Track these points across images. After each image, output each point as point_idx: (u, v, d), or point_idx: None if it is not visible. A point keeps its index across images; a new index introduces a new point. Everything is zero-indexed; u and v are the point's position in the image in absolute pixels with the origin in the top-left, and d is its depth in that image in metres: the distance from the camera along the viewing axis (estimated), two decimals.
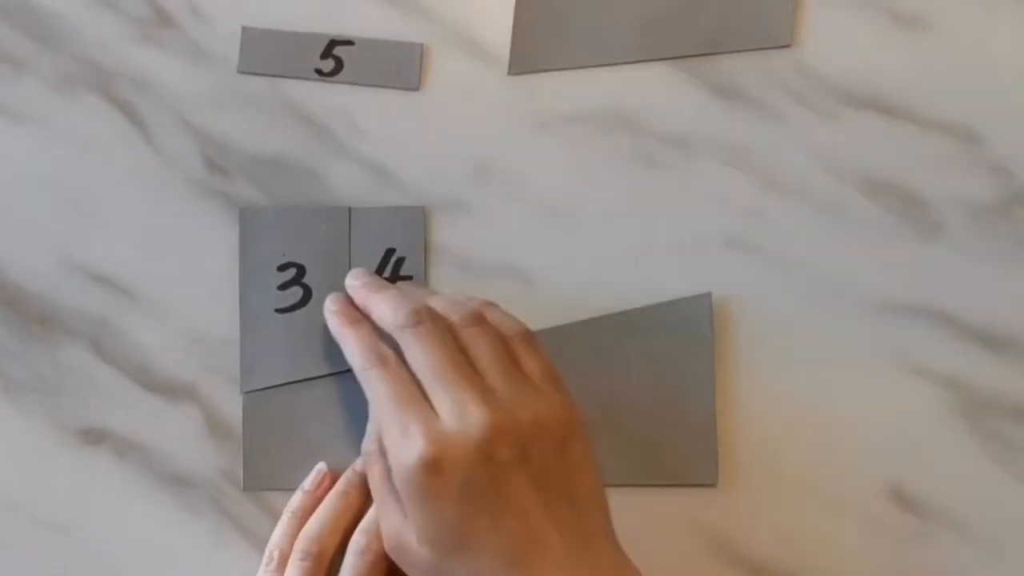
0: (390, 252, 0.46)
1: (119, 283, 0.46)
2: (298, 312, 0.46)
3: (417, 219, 0.47)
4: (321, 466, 0.45)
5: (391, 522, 0.39)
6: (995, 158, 0.47)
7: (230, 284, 0.46)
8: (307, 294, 0.46)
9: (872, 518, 0.45)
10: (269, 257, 0.46)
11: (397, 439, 0.38)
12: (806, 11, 0.47)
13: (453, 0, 0.47)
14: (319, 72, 0.47)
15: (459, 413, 0.37)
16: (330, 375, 0.45)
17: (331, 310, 0.44)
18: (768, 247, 0.46)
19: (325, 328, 0.44)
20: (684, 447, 0.45)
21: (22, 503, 0.45)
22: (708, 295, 0.46)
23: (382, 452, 0.39)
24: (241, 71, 0.47)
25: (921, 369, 0.46)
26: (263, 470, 0.45)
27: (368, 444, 0.41)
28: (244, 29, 0.47)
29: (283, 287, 0.46)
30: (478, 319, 0.41)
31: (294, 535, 0.43)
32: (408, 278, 0.46)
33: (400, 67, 0.47)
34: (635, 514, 0.45)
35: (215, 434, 0.45)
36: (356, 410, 0.45)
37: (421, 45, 0.47)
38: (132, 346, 0.46)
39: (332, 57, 0.47)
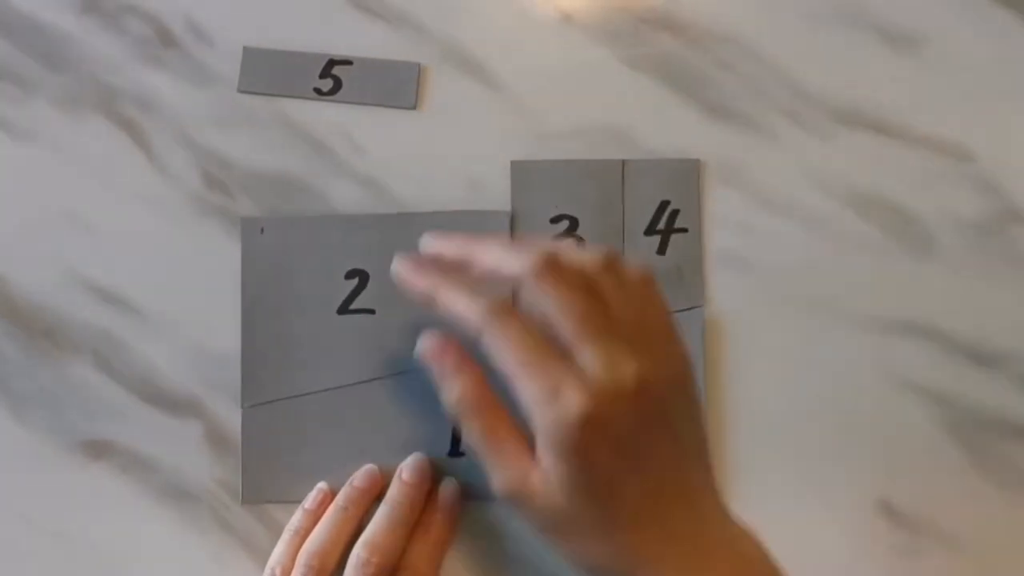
0: (664, 204, 0.47)
1: (122, 298, 0.47)
2: None
3: (692, 171, 0.47)
4: (322, 485, 0.45)
5: (511, 469, 0.38)
6: (985, 175, 0.47)
7: (231, 298, 0.46)
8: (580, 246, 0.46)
9: (862, 533, 0.45)
10: (542, 209, 0.46)
11: (546, 397, 0.36)
12: (799, 29, 0.48)
13: (450, 20, 0.48)
14: (318, 91, 0.47)
15: (613, 367, 0.36)
16: (329, 390, 0.46)
17: (407, 270, 0.41)
18: (759, 264, 0.47)
19: None
20: None
21: (26, 515, 0.46)
22: (700, 310, 0.46)
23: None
24: (241, 90, 0.48)
25: (911, 385, 0.46)
26: (261, 483, 0.46)
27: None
28: (245, 49, 0.48)
29: (557, 239, 0.46)
30: (610, 265, 0.39)
31: (294, 552, 0.43)
32: (684, 231, 0.47)
33: (398, 86, 0.48)
34: None
35: (216, 447, 0.46)
36: (354, 422, 0.46)
37: (419, 65, 0.48)
38: (135, 360, 0.46)
39: (331, 76, 0.48)
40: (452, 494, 0.45)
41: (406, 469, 0.45)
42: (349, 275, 0.47)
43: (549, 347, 0.37)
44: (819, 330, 0.46)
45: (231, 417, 0.46)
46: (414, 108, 0.48)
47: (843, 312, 0.46)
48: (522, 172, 0.47)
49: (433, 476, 0.45)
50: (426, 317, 0.46)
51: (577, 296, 0.37)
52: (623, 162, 0.47)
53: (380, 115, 0.48)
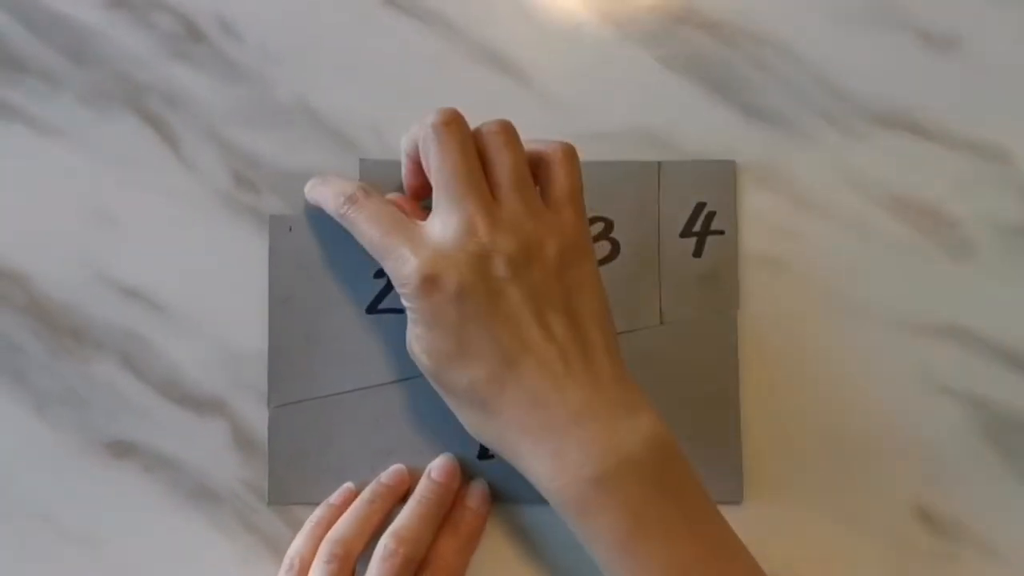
0: (700, 206, 0.46)
1: (149, 297, 0.46)
2: (607, 266, 0.46)
3: (728, 173, 0.47)
4: (349, 484, 0.45)
5: (409, 335, 0.41)
6: None
7: (258, 297, 0.46)
8: (615, 248, 0.46)
9: (897, 537, 0.45)
10: None
11: (393, 265, 0.39)
12: (836, 30, 0.47)
13: (482, 19, 0.48)
14: None
15: (456, 229, 0.39)
16: (357, 391, 0.46)
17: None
18: (796, 265, 0.46)
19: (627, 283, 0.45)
20: (709, 464, 0.45)
21: (51, 515, 0.45)
22: (735, 312, 0.46)
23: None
24: None
25: (947, 388, 0.46)
26: (288, 484, 0.45)
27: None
28: (361, 160, 0.47)
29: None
30: (506, 129, 0.41)
31: (315, 543, 0.43)
32: (720, 233, 0.46)
33: None
34: None
35: (242, 448, 0.46)
36: (381, 424, 0.45)
37: None
38: (161, 359, 0.46)
39: None
40: (482, 493, 0.45)
41: (435, 469, 0.45)
42: (378, 274, 0.46)
43: (396, 217, 0.40)
44: (855, 333, 0.46)
45: (258, 417, 0.46)
46: None
47: (880, 315, 0.46)
48: None
49: (462, 477, 0.45)
50: None
51: (455, 151, 0.39)
52: (659, 163, 0.47)
53: (408, 114, 0.47)
